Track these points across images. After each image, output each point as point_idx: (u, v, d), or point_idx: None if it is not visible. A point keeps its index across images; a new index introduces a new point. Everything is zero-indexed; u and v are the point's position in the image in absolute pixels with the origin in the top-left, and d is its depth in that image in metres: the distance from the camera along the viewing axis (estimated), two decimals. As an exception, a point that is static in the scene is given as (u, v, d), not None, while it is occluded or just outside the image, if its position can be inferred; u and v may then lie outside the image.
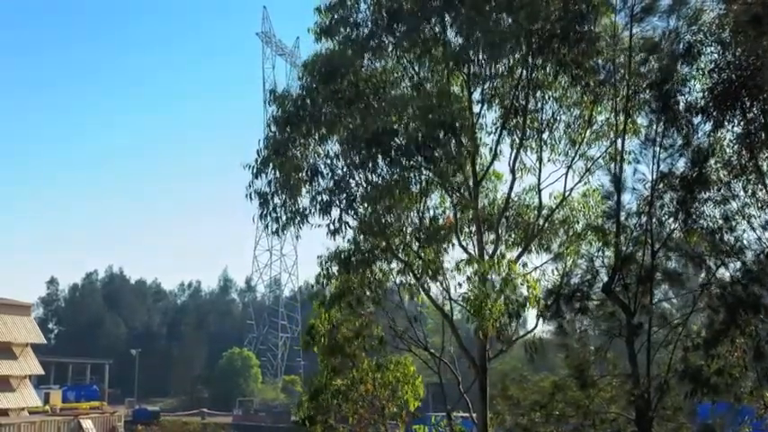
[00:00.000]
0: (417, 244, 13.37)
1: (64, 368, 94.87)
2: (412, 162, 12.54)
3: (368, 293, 13.65)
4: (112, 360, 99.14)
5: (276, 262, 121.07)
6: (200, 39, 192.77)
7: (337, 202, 12.72)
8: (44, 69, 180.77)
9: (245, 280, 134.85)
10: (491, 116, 13.96)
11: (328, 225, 12.74)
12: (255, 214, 13.58)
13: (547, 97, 13.75)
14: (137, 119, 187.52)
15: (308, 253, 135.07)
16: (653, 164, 12.04)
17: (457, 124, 12.21)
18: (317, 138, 13.13)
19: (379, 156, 12.35)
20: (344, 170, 12.79)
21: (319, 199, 12.74)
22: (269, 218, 13.13)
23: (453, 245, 13.97)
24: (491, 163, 13.93)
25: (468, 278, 11.97)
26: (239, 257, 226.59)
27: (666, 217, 12.36)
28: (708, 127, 12.10)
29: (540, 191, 14.01)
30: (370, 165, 12.43)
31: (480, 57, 13.02)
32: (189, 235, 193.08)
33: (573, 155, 14.04)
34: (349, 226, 12.90)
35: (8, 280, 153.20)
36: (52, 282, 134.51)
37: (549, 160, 14.16)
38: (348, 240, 13.50)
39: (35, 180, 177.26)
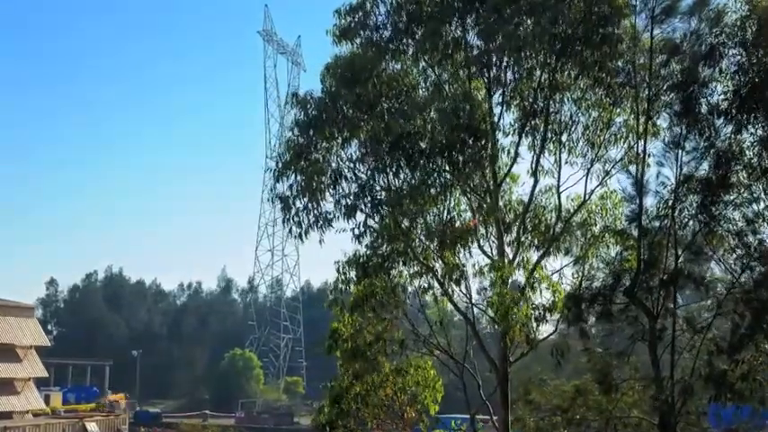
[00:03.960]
0: (439, 247, 13.42)
1: (64, 370, 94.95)
2: (434, 165, 12.59)
3: (391, 298, 13.73)
4: (112, 361, 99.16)
5: (278, 262, 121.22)
6: (199, 35, 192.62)
7: (362, 206, 12.77)
8: (42, 67, 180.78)
9: (247, 280, 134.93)
10: (509, 118, 14.06)
11: (353, 229, 12.81)
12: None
13: (566, 99, 13.83)
14: (134, 117, 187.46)
15: (309, 253, 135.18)
16: (676, 167, 12.12)
17: (483, 127, 12.26)
18: (339, 141, 13.18)
19: (402, 159, 12.40)
20: (368, 174, 12.83)
21: (344, 203, 12.79)
22: (291, 222, 13.19)
23: (471, 248, 14.05)
24: (511, 165, 14.01)
25: (492, 283, 12.03)
26: (240, 258, 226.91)
27: (688, 219, 12.42)
28: (729, 129, 12.16)
29: (559, 193, 14.09)
30: (394, 168, 12.48)
31: (504, 60, 13.08)
32: (189, 235, 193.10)
33: (591, 157, 14.11)
34: (373, 230, 12.96)
35: (7, 281, 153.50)
36: (51, 283, 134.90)
37: (566, 162, 14.26)
38: (366, 245, 13.59)
39: (33, 180, 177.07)
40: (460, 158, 12.43)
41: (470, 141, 12.35)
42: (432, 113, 12.66)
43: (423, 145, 12.31)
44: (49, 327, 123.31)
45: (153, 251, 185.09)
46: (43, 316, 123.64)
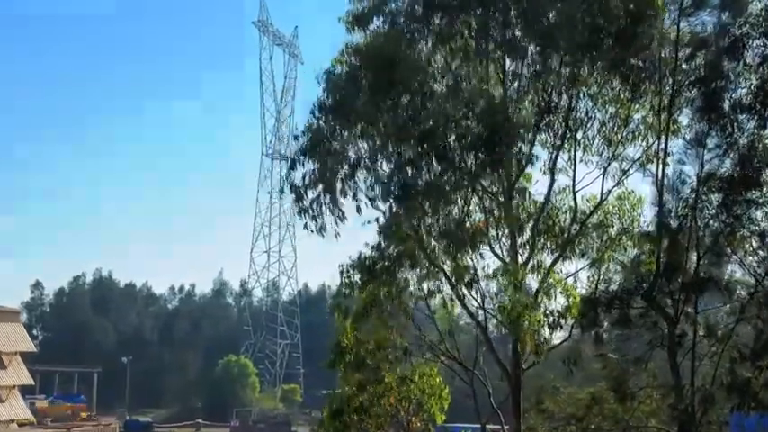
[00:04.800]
0: (451, 248, 13.42)
1: (50, 377, 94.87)
2: (459, 162, 12.56)
3: (396, 303, 13.75)
4: (101, 368, 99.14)
5: (274, 264, 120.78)
6: (195, 28, 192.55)
7: (390, 198, 12.78)
8: (42, 68, 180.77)
9: (240, 283, 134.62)
10: (524, 115, 14.03)
11: (377, 219, 12.79)
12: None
13: (581, 94, 13.85)
14: (126, 114, 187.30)
15: (307, 255, 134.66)
16: (698, 165, 12.15)
17: (516, 120, 12.21)
18: (358, 130, 13.15)
19: (430, 154, 12.38)
20: (393, 168, 12.86)
21: (370, 195, 12.84)
22: (306, 215, 13.20)
23: (481, 250, 14.07)
24: (526, 164, 14.02)
25: (504, 287, 12.04)
26: (235, 259, 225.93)
27: (709, 219, 12.45)
28: (753, 125, 12.18)
29: (575, 193, 14.11)
30: (423, 163, 12.48)
31: (532, 51, 13.08)
32: (181, 237, 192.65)
33: (608, 155, 14.13)
34: (394, 225, 12.96)
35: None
36: (37, 286, 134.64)
37: (581, 161, 14.28)
38: (372, 246, 13.61)
39: (25, 179, 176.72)
40: (487, 157, 12.38)
41: (499, 138, 12.28)
42: (450, 109, 12.64)
43: (453, 141, 12.27)
44: (35, 332, 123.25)
45: (143, 253, 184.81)
46: (28, 320, 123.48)
